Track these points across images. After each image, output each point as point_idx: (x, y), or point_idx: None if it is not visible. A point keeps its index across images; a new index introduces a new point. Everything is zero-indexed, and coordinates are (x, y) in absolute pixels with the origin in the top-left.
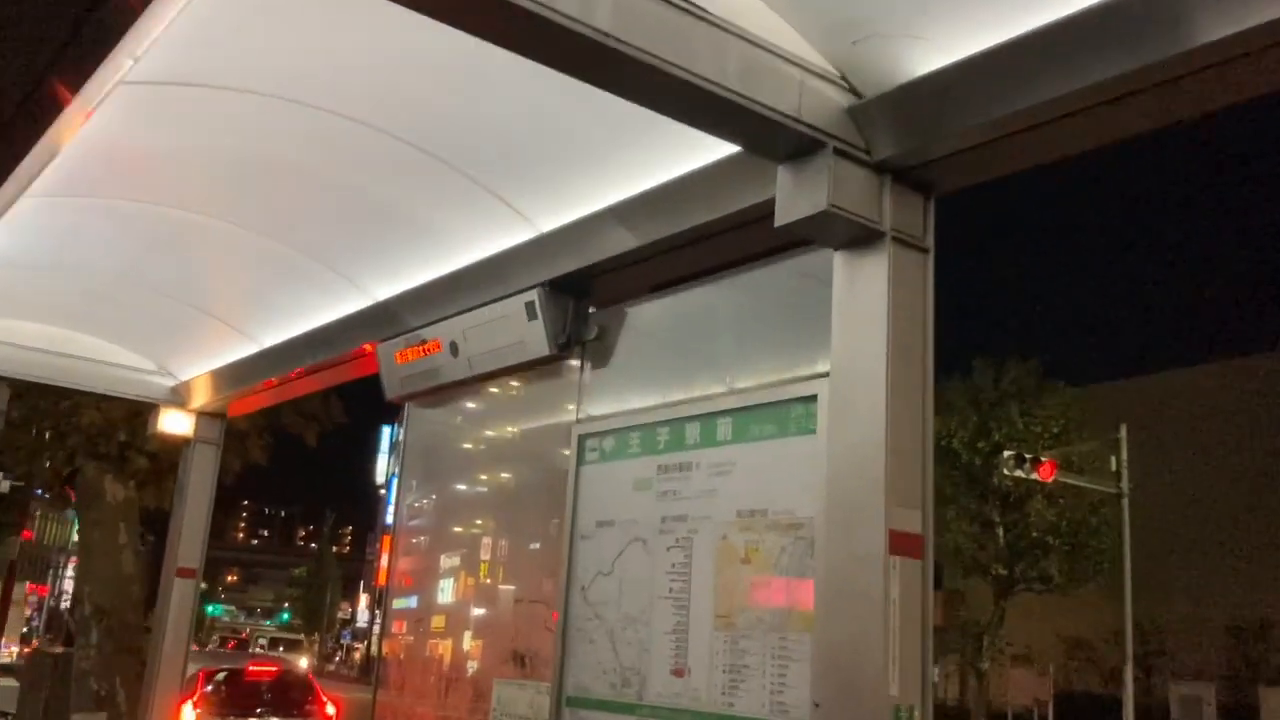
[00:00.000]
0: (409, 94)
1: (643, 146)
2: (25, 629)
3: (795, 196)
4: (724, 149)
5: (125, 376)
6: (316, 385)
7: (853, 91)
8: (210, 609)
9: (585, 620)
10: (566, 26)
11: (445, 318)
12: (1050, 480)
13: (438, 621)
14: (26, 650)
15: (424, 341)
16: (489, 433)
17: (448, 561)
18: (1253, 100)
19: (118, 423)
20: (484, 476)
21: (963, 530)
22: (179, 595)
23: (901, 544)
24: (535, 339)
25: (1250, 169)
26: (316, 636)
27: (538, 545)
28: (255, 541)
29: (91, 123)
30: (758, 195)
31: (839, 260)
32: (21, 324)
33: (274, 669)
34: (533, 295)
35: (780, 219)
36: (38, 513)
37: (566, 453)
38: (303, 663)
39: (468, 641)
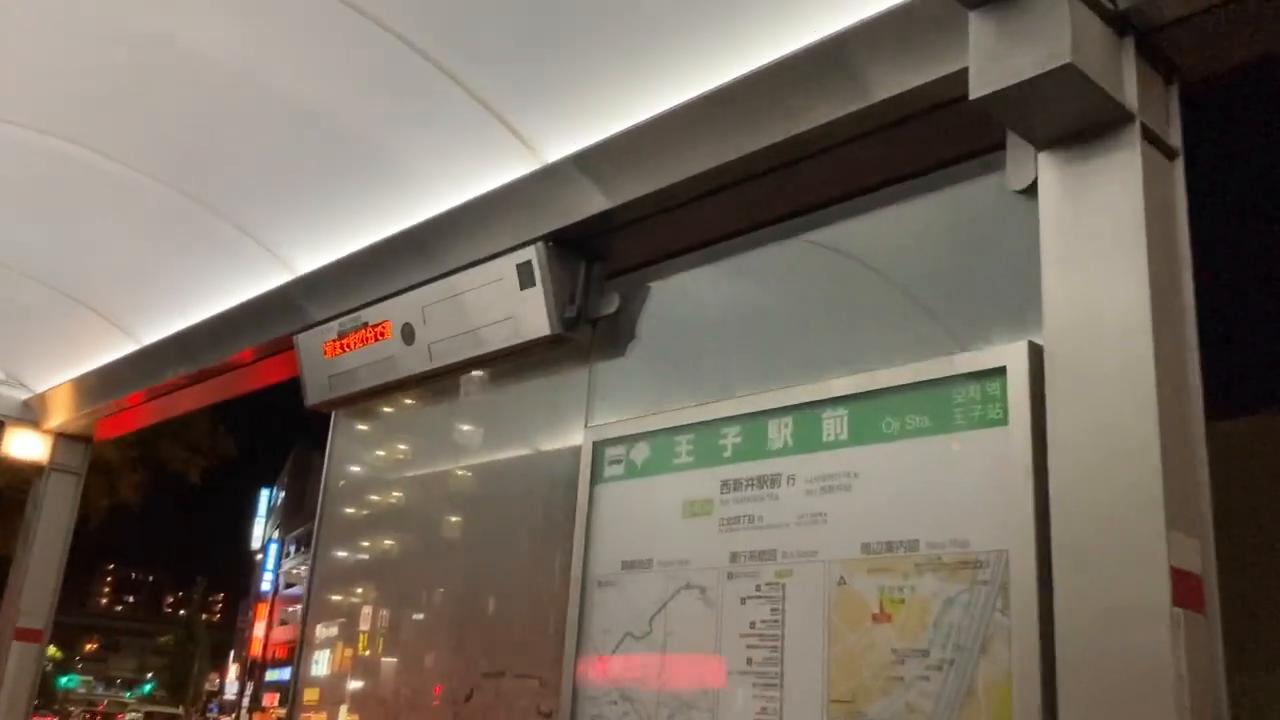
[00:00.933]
0: None
1: (700, 26)
2: None
3: (1006, 54)
4: (840, 17)
5: None
6: (210, 397)
7: None
8: (63, 680)
9: (605, 704)
10: None
11: (397, 292)
12: None
13: (362, 695)
14: None
15: (365, 325)
16: (449, 447)
17: (384, 620)
18: None
19: None
20: (442, 507)
21: None
22: (18, 663)
23: (1185, 591)
24: (531, 314)
25: None
26: (182, 710)
27: (521, 598)
28: (119, 608)
29: None
30: (891, 82)
31: (1053, 165)
32: None
33: None
34: (529, 254)
35: (979, 87)
36: None
37: (557, 470)
38: None
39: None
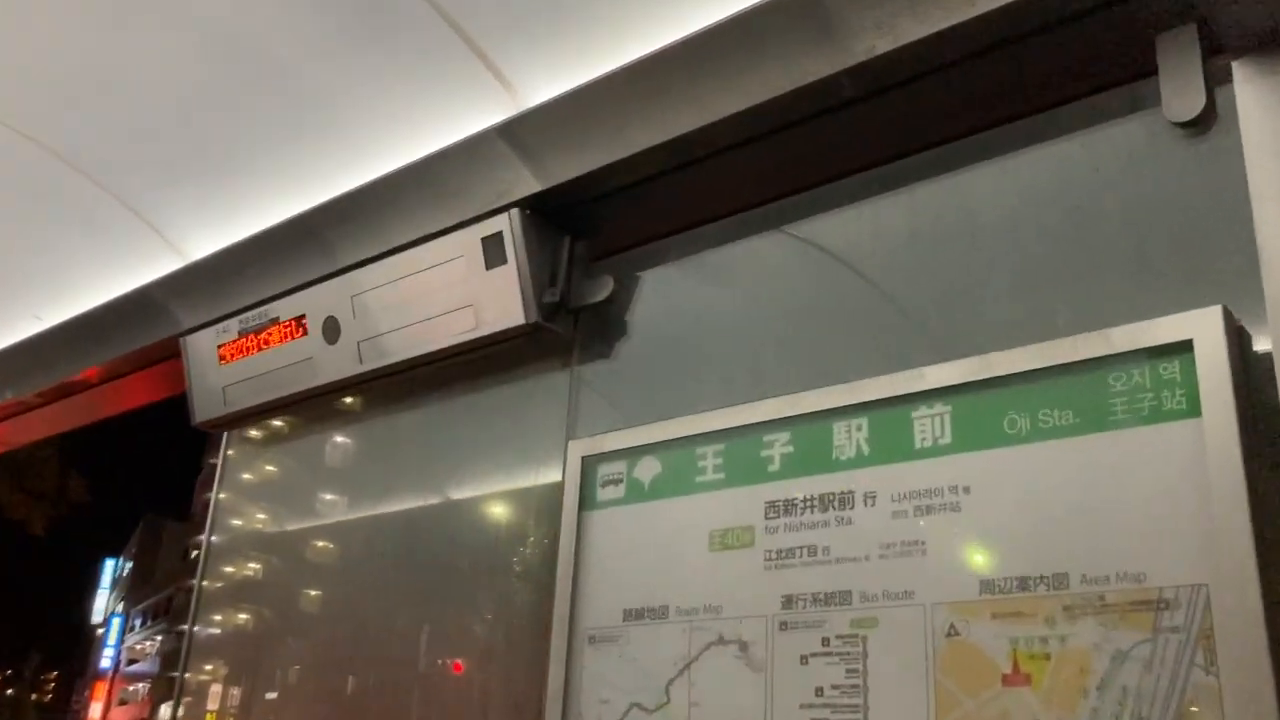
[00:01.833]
0: None
1: None
2: None
3: None
4: None
5: None
6: (63, 423)
7: None
8: None
9: None
10: None
11: (320, 278)
12: None
13: None
14: None
15: (274, 321)
16: (382, 474)
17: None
18: None
19: None
20: (372, 553)
21: None
22: None
23: None
24: (500, 300)
25: None
26: None
27: (481, 662)
28: None
29: None
30: None
31: (1254, 76)
32: None
33: None
34: (500, 224)
35: None
36: None
37: (529, 497)
38: None
39: None
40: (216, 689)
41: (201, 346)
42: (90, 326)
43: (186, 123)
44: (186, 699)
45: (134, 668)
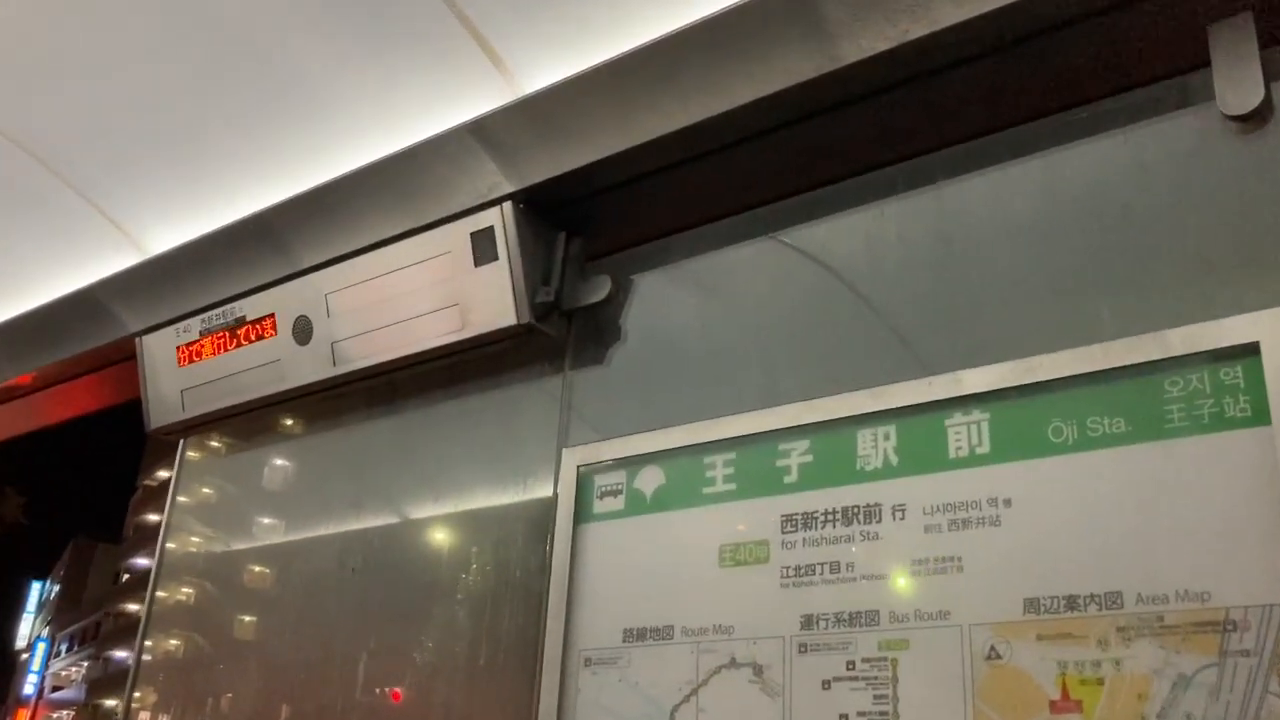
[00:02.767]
0: None
1: None
2: None
3: None
4: None
5: None
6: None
7: None
8: None
9: None
10: None
11: (290, 275)
12: None
13: None
14: None
15: (240, 321)
16: (354, 486)
17: None
18: None
19: None
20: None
21: None
22: None
23: None
24: (489, 299)
25: None
26: None
27: (465, 691)
28: None
29: None
30: None
31: None
32: None
33: None
34: (492, 217)
35: None
36: None
37: (515, 510)
38: None
39: None
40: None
41: (158, 347)
42: (34, 325)
43: (150, 108)
44: None
45: (59, 694)
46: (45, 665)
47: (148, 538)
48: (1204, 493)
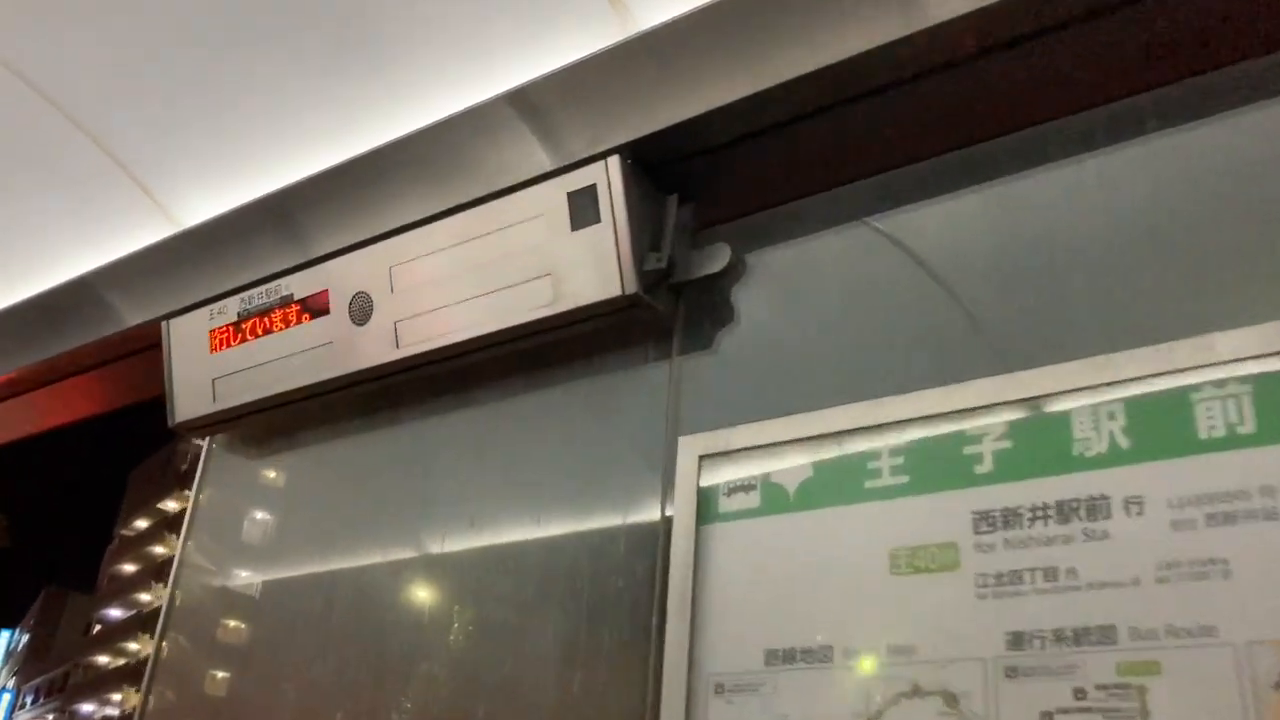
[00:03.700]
0: None
1: None
2: None
3: None
4: None
5: None
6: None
7: None
8: None
9: None
10: None
11: (349, 247)
12: None
13: None
14: None
15: (287, 301)
16: (419, 494)
17: None
18: None
19: None
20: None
21: None
22: None
23: None
24: (589, 267)
25: None
26: None
27: None
28: None
29: None
30: None
31: None
32: None
33: None
34: (595, 174)
35: None
36: None
37: (616, 517)
38: None
39: None
40: None
41: (189, 331)
42: (49, 307)
43: (194, 56)
44: None
45: None
46: (10, 717)
47: (122, 588)
48: None
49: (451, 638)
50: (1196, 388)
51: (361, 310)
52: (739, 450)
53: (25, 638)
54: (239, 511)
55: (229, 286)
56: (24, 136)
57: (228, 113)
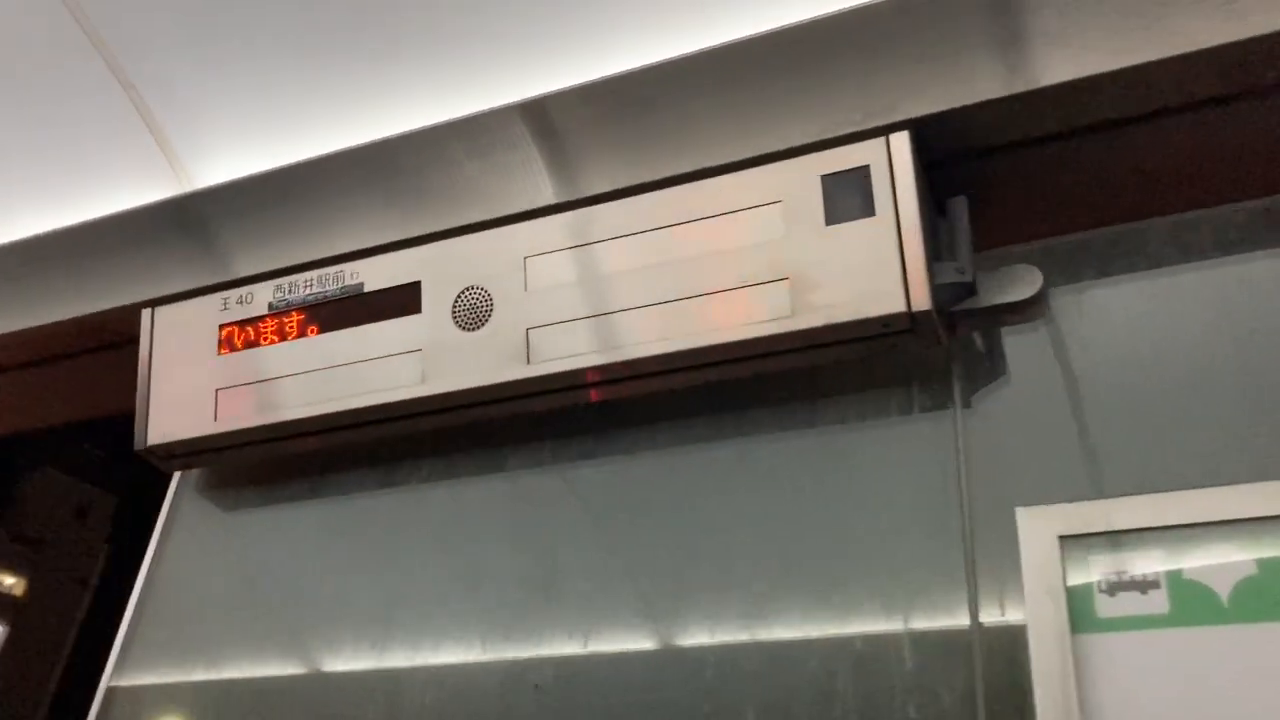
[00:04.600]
0: None
1: None
2: None
3: None
4: None
5: None
6: None
7: None
8: None
9: None
10: None
11: (451, 231)
12: None
13: None
14: None
15: (353, 293)
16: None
17: None
18: None
19: None
20: None
21: None
22: None
23: None
24: (854, 274)
25: None
26: None
27: None
28: None
29: None
30: None
31: None
32: None
33: None
34: (867, 154)
35: None
36: None
37: (898, 628)
38: None
39: None
40: None
41: (184, 324)
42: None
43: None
44: None
45: None
46: None
47: None
48: None
49: None
50: None
51: (473, 311)
52: (1127, 532)
53: None
54: (214, 582)
55: (259, 269)
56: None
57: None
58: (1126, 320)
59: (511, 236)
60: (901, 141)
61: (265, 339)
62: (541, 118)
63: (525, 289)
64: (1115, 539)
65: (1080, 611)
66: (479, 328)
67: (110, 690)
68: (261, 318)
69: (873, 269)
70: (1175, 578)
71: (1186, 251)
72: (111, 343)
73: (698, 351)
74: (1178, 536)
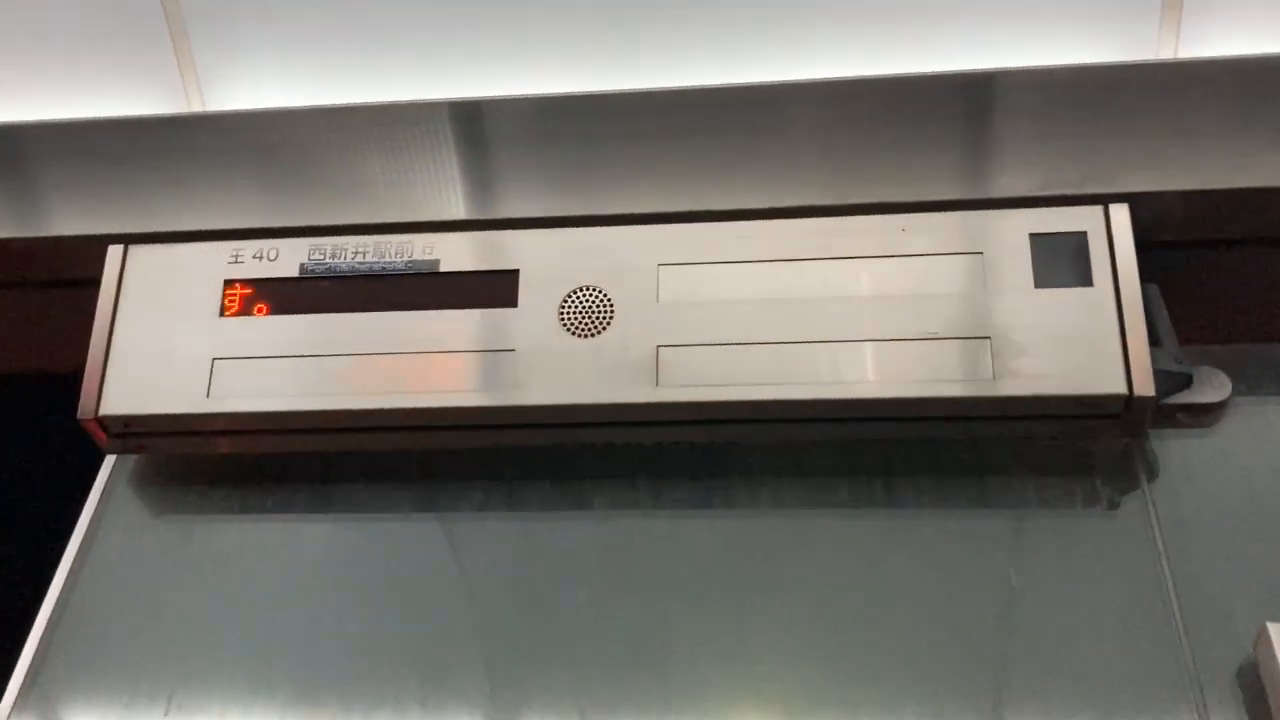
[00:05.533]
0: None
1: None
2: None
3: None
4: None
5: None
6: None
7: None
8: None
9: None
10: None
11: (570, 219)
12: None
13: None
14: None
15: (425, 270)
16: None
17: None
18: None
19: None
20: None
21: None
22: None
23: None
24: (1069, 345)
25: None
26: None
27: None
28: None
29: None
30: None
31: None
32: None
33: None
34: (1084, 219)
35: None
36: None
37: None
38: None
39: None
40: None
41: (170, 270)
42: None
43: None
44: None
45: None
46: None
47: None
48: None
49: None
50: None
51: (586, 315)
52: None
53: None
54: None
55: (287, 223)
56: None
57: None
58: None
59: (643, 238)
60: (1122, 214)
61: (295, 307)
62: (680, 113)
63: (656, 299)
64: None
65: None
66: (593, 335)
67: None
68: (291, 280)
69: (1090, 343)
70: None
71: None
72: (71, 280)
73: (873, 403)
74: None
